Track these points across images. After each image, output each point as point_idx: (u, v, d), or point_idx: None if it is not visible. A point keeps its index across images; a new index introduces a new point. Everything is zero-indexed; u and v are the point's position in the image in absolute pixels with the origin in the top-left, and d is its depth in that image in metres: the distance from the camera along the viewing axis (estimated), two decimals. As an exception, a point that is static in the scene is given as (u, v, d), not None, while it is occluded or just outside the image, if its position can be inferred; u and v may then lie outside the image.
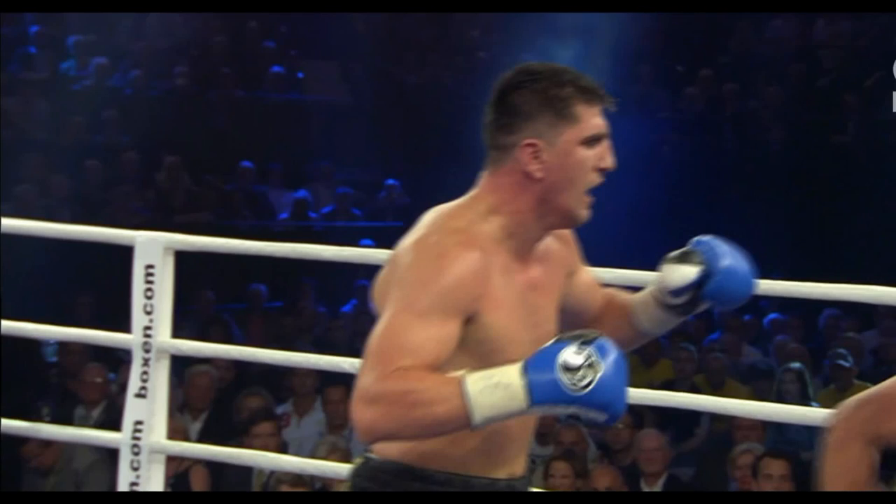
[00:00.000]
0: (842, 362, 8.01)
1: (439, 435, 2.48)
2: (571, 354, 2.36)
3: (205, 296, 9.61)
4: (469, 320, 2.51)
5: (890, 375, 8.06)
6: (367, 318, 10.04)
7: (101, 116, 11.65)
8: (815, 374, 8.21)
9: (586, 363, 2.35)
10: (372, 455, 2.62)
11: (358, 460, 2.66)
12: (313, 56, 13.45)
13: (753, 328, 9.58)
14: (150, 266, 4.27)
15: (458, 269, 2.48)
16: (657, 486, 6.77)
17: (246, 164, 11.75)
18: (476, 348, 2.53)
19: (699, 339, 8.96)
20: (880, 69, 12.36)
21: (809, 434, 7.48)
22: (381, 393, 2.39)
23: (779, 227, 11.01)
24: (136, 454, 4.27)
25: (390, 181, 12.32)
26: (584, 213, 2.61)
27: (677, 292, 2.77)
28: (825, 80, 12.58)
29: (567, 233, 2.74)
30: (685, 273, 2.77)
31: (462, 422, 2.39)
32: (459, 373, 2.40)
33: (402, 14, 12.84)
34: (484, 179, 2.62)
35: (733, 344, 8.98)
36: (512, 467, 2.64)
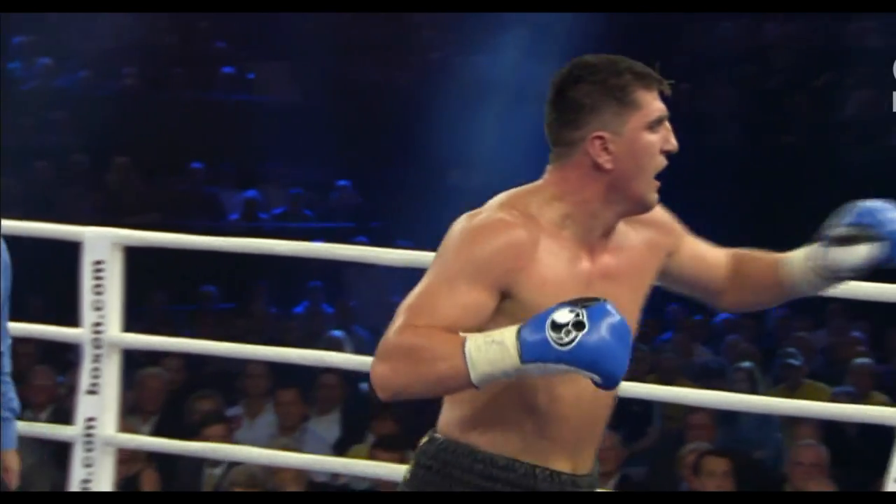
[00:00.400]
0: (792, 361, 8.08)
1: (446, 392, 2.54)
2: (561, 314, 2.37)
3: (155, 297, 9.57)
4: (507, 295, 2.53)
5: (840, 374, 8.18)
6: (319, 319, 10.06)
7: (49, 117, 11.59)
8: (765, 373, 8.26)
9: (573, 322, 2.36)
10: (437, 434, 2.64)
11: (424, 439, 2.67)
12: (264, 57, 13.43)
13: (704, 328, 9.62)
14: (100, 262, 4.25)
15: (494, 240, 2.51)
16: (609, 487, 6.78)
17: (196, 165, 11.72)
18: None
19: (651, 339, 8.99)
20: (830, 70, 12.48)
21: (760, 433, 7.55)
22: (391, 348, 2.46)
23: (731, 226, 11.07)
24: (90, 450, 4.25)
25: (342, 182, 12.32)
26: (654, 198, 2.63)
27: (851, 271, 2.81)
28: (776, 81, 12.67)
29: (660, 216, 2.75)
30: (858, 254, 2.80)
31: (463, 378, 2.42)
32: (463, 335, 2.44)
33: (353, 14, 12.82)
34: (550, 173, 2.62)
35: (685, 344, 9.03)
36: (576, 462, 2.64)
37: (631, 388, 4.54)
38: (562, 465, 2.62)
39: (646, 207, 2.64)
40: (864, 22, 12.69)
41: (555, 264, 2.56)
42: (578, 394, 2.58)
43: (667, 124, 2.62)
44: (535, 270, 2.53)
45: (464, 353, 2.41)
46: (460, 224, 2.55)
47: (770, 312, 9.52)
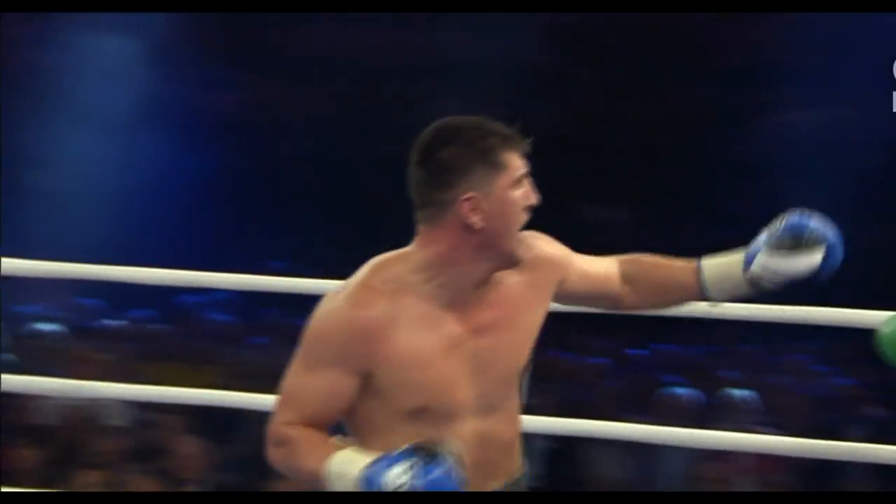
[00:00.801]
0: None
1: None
2: (397, 471, 2.56)
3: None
4: (369, 375, 2.70)
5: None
6: None
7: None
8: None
9: (407, 485, 2.55)
10: None
11: None
12: None
13: (297, 333, 9.62)
14: None
15: (347, 325, 2.69)
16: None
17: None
18: (402, 401, 2.70)
19: (242, 342, 8.99)
20: (420, 79, 12.73)
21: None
22: (273, 437, 2.72)
23: (320, 232, 11.18)
24: None
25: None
26: (520, 251, 2.77)
27: (788, 279, 2.91)
28: (367, 90, 12.84)
29: (543, 252, 2.90)
30: (810, 261, 2.90)
31: (325, 482, 2.66)
32: (336, 446, 2.68)
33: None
34: (420, 236, 2.77)
35: (280, 346, 8.99)
36: (499, 481, 2.80)
37: (220, 397, 4.52)
38: (492, 486, 2.80)
39: (514, 262, 2.77)
40: (455, 33, 13.00)
41: (417, 336, 2.70)
42: (465, 439, 2.74)
43: (526, 181, 2.77)
44: (392, 348, 2.68)
45: (326, 466, 2.63)
46: (323, 305, 2.74)
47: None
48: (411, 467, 2.54)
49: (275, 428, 2.72)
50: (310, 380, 2.69)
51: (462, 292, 2.75)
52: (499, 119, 2.87)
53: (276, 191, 11.85)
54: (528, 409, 6.92)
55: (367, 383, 2.71)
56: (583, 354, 9.08)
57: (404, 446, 2.58)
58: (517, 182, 2.75)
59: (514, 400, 2.86)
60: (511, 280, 2.82)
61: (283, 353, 8.42)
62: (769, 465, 6.85)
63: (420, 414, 2.71)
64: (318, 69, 12.92)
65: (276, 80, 12.89)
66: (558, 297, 2.94)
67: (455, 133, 2.76)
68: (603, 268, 3.04)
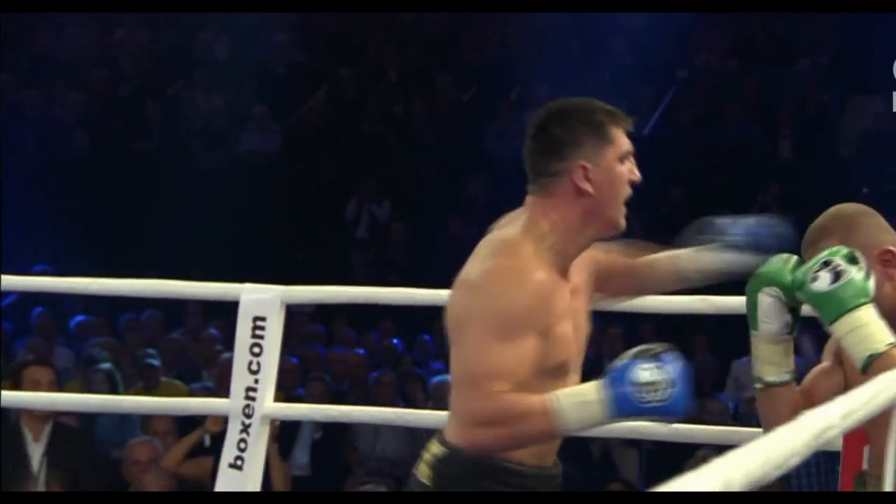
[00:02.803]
0: (151, 361, 8.19)
1: (533, 445, 2.90)
2: (642, 372, 2.75)
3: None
4: (542, 334, 2.84)
5: (198, 371, 8.19)
6: None
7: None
8: (124, 374, 8.32)
9: (658, 379, 2.75)
10: (450, 444, 2.90)
11: (437, 448, 2.93)
12: None
13: (61, 330, 9.57)
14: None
15: (530, 290, 2.81)
16: None
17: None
18: (552, 356, 2.86)
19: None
20: (180, 77, 12.68)
21: (120, 432, 7.60)
22: (486, 416, 2.80)
23: (82, 230, 11.07)
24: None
25: None
26: (623, 221, 2.94)
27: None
28: (127, 88, 12.73)
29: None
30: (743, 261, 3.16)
31: (552, 435, 2.86)
32: (548, 395, 2.78)
33: None
34: (534, 203, 2.93)
35: (43, 346, 8.93)
36: (553, 457, 2.99)
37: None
38: (548, 461, 2.97)
39: (617, 229, 2.97)
40: (211, 33, 12.99)
41: (558, 296, 2.88)
42: None
43: (631, 158, 2.93)
44: (555, 307, 2.86)
45: (553, 413, 2.77)
46: (486, 279, 2.85)
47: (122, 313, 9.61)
48: (650, 363, 2.75)
49: (482, 408, 2.80)
50: (513, 349, 2.79)
51: (568, 258, 2.94)
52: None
53: (32, 192, 11.66)
54: (300, 398, 6.97)
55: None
56: (351, 346, 9.18)
57: (627, 353, 2.79)
58: (623, 156, 2.92)
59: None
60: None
61: (50, 350, 8.25)
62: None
63: (559, 369, 2.88)
64: (75, 70, 12.76)
65: (32, 81, 12.68)
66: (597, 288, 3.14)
67: (567, 111, 2.93)
68: (624, 254, 3.23)
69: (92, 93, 12.53)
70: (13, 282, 4.55)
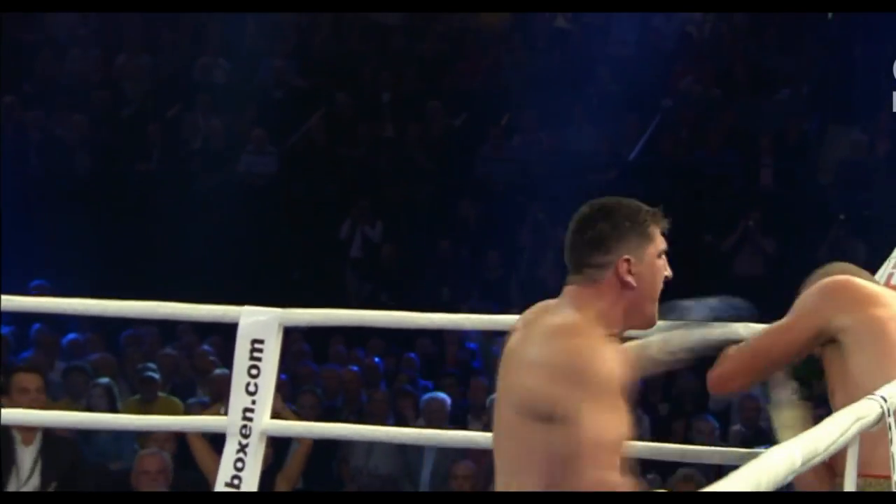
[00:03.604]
0: (150, 374, 8.25)
1: None
2: None
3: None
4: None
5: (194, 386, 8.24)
6: None
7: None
8: (121, 387, 8.39)
9: None
10: None
11: None
12: None
13: (58, 346, 9.62)
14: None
15: (614, 364, 2.92)
16: None
17: None
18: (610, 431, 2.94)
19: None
20: (180, 100, 12.75)
21: (117, 444, 7.67)
22: (618, 485, 2.85)
23: (88, 248, 11.11)
24: None
25: None
26: (656, 318, 3.08)
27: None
28: (129, 110, 12.79)
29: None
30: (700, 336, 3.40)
31: None
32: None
33: None
34: (577, 292, 3.01)
35: (43, 361, 8.97)
36: None
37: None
38: None
39: (650, 325, 3.10)
40: (210, 57, 13.07)
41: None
42: None
43: (665, 256, 3.06)
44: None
45: None
46: (578, 355, 2.90)
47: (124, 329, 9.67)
48: None
49: (611, 482, 2.87)
50: (615, 418, 2.88)
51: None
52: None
53: (34, 211, 11.71)
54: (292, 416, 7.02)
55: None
56: (342, 363, 9.23)
57: None
58: (661, 254, 3.04)
59: None
60: None
61: (50, 365, 8.27)
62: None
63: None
64: (76, 93, 12.82)
65: (36, 102, 12.74)
66: None
67: (614, 208, 3.03)
68: None
69: (94, 115, 12.59)
70: (13, 303, 4.59)
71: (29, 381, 6.30)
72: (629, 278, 2.98)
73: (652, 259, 3.01)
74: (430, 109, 12.39)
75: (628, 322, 3.03)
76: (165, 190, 11.74)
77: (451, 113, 12.41)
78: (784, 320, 3.41)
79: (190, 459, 6.57)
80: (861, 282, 3.44)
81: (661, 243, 3.04)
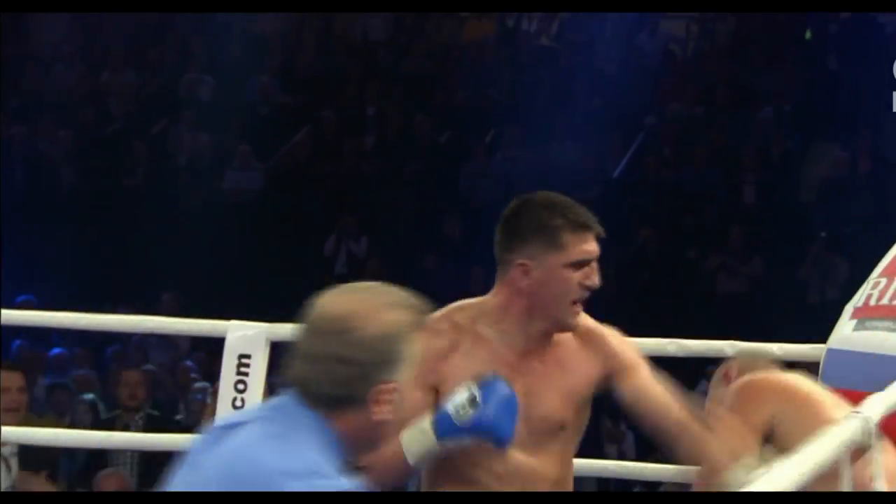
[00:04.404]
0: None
1: (405, 479, 2.97)
2: (459, 393, 2.83)
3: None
4: (437, 391, 2.95)
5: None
6: None
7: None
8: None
9: (468, 399, 2.82)
10: None
11: None
12: None
13: (44, 361, 9.54)
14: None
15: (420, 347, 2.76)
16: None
17: None
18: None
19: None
20: (165, 117, 12.69)
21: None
22: None
23: (73, 263, 11.05)
24: None
25: None
26: (572, 321, 3.00)
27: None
28: (114, 127, 12.73)
29: (607, 341, 3.09)
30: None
31: (404, 463, 2.88)
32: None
33: None
34: (495, 287, 3.03)
35: (29, 378, 8.87)
36: None
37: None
38: None
39: (564, 328, 3.01)
40: (196, 73, 13.01)
41: (471, 364, 2.96)
42: (510, 469, 2.98)
43: (593, 264, 2.98)
44: (451, 370, 2.95)
45: (400, 445, 2.83)
46: None
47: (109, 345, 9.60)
48: (467, 387, 2.82)
49: None
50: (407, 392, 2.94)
51: (520, 340, 3.01)
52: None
53: (19, 226, 11.64)
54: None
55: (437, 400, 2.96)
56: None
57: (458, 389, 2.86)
58: (575, 264, 2.96)
59: (557, 448, 3.07)
60: (575, 347, 3.07)
61: (32, 381, 8.21)
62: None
63: None
64: (61, 108, 12.76)
65: (21, 118, 12.67)
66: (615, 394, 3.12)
67: (531, 207, 3.00)
68: (665, 403, 3.10)
69: (79, 130, 12.52)
70: (11, 316, 4.54)
71: (11, 379, 6.18)
72: (522, 283, 2.97)
73: (555, 267, 2.96)
74: (415, 125, 12.34)
75: (532, 321, 3.00)
76: (151, 205, 11.68)
77: (436, 129, 12.36)
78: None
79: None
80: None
81: (575, 254, 2.97)
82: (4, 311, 4.27)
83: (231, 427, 2.13)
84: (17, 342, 9.63)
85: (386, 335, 2.13)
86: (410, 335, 2.16)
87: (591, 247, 3.00)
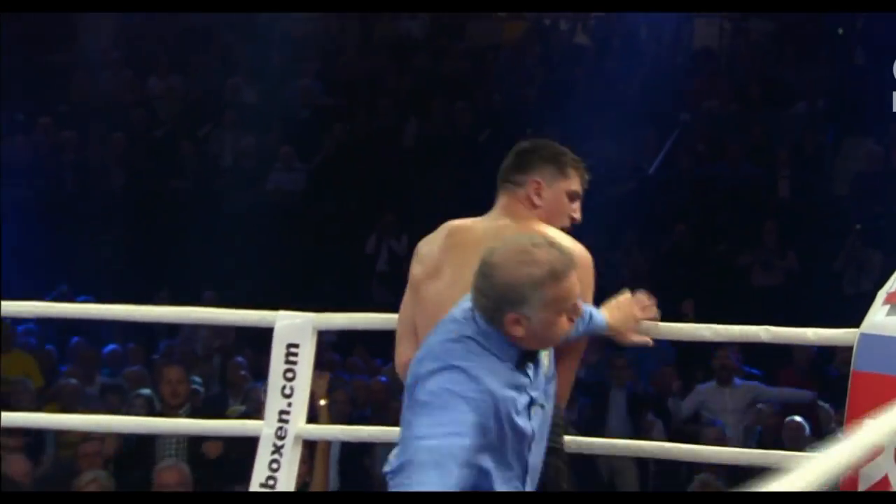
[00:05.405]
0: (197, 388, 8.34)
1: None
2: None
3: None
4: None
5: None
6: None
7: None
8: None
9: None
10: None
11: None
12: None
13: (98, 359, 9.65)
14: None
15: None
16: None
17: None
18: None
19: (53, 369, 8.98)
20: (211, 120, 12.80)
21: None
22: None
23: (121, 262, 11.17)
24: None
25: None
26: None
27: None
28: (161, 130, 12.84)
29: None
30: None
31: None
32: None
33: None
34: (502, 203, 3.56)
35: (82, 374, 9.02)
36: None
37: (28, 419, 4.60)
38: None
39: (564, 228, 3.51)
40: (240, 78, 13.12)
41: None
42: None
43: (578, 201, 3.55)
44: None
45: None
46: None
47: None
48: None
49: None
50: None
51: None
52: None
53: (74, 225, 11.78)
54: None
55: None
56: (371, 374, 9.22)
57: None
58: (571, 193, 3.54)
59: None
60: None
61: (89, 378, 8.33)
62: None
63: None
64: (109, 113, 12.88)
65: (72, 122, 12.81)
66: None
67: (545, 144, 3.60)
68: None
69: (127, 134, 12.64)
70: (53, 309, 4.61)
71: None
72: (535, 199, 3.50)
73: (560, 192, 3.52)
74: (455, 125, 12.40)
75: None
76: (198, 206, 11.78)
77: (475, 128, 12.42)
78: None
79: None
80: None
81: (572, 184, 3.54)
82: (11, 303, 4.36)
83: None
84: (75, 339, 9.76)
85: (509, 284, 2.92)
86: (535, 285, 2.91)
87: (583, 186, 3.57)
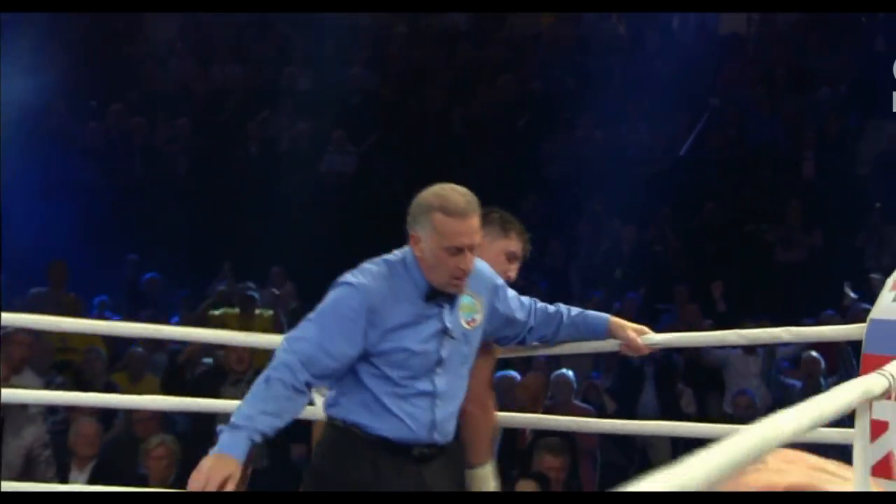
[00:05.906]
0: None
1: None
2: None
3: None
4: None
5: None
6: None
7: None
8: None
9: None
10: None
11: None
12: None
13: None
14: None
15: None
16: (87, 471, 6.84)
17: None
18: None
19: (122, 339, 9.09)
20: (268, 107, 12.94)
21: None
22: None
23: (189, 241, 11.32)
24: None
25: None
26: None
27: None
28: (223, 116, 12.96)
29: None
30: None
31: None
32: None
33: None
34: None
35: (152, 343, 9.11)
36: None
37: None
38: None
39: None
40: (295, 67, 13.25)
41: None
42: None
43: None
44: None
45: None
46: None
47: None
48: None
49: None
50: None
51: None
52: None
53: (143, 203, 11.91)
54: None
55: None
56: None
57: None
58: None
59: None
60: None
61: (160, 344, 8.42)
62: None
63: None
64: (177, 99, 13.03)
65: (141, 109, 12.96)
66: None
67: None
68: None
69: (192, 120, 12.79)
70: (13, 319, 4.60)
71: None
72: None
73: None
74: (496, 110, 12.48)
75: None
76: (256, 187, 11.91)
77: (515, 113, 12.50)
78: None
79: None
80: None
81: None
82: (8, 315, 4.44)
83: None
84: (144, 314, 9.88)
85: (416, 202, 3.31)
86: (428, 207, 3.27)
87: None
